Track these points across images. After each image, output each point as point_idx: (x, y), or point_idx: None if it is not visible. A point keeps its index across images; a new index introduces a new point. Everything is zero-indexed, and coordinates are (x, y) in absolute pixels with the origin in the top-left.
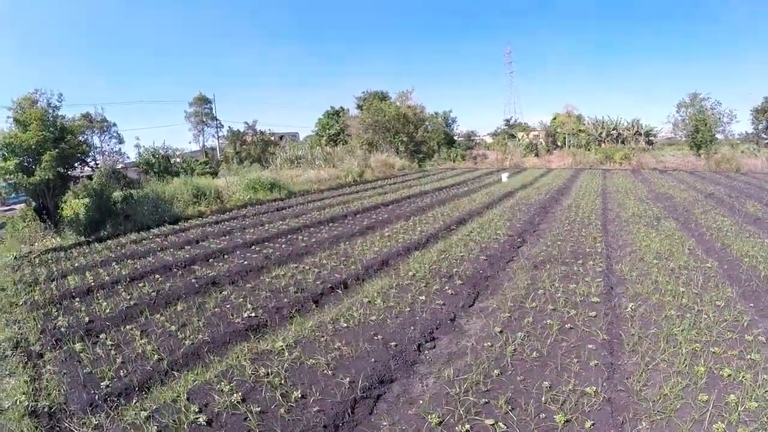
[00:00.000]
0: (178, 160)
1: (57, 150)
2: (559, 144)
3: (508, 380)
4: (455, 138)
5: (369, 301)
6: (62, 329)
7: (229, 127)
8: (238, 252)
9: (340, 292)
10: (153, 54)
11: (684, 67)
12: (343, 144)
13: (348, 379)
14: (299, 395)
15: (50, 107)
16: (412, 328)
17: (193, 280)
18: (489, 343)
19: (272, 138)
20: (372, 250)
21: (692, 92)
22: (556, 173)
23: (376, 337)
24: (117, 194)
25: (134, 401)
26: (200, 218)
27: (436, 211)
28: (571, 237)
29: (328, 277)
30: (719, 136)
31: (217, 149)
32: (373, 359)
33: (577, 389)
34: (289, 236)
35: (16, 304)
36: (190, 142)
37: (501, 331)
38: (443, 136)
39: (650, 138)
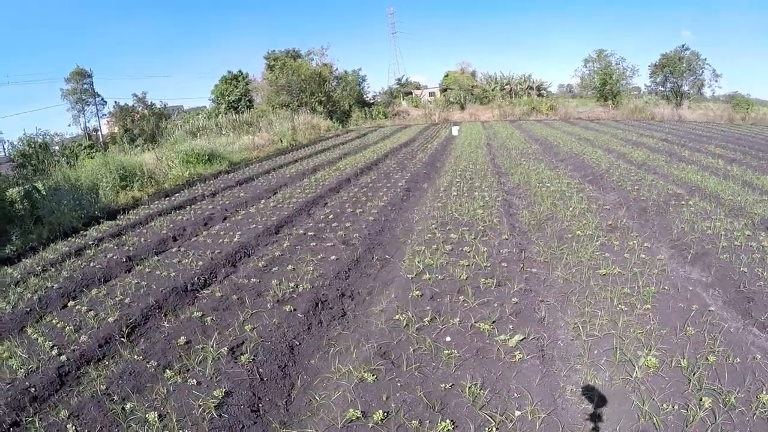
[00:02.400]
0: (56, 148)
1: None
2: (470, 99)
3: None
4: (365, 97)
5: None
6: None
7: (116, 102)
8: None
9: None
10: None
11: (583, 25)
12: (248, 110)
13: None
14: None
15: None
16: None
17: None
18: None
19: (165, 111)
20: None
21: (598, 48)
22: (500, 125)
23: None
24: (13, 191)
25: None
26: (139, 207)
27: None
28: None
29: None
30: (624, 89)
31: (100, 130)
32: None
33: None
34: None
35: None
36: (69, 125)
37: None
38: (357, 96)
39: (541, 92)
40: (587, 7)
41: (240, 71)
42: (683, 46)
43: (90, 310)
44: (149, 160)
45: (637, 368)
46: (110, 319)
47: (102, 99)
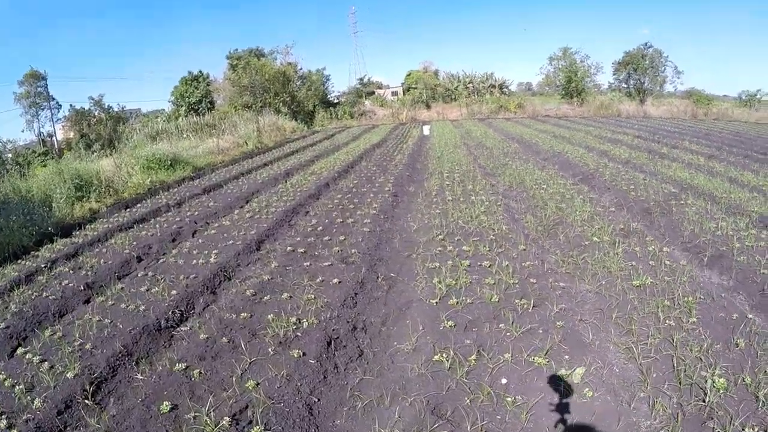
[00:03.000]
0: (10, 155)
1: None
2: (436, 98)
3: None
4: (329, 97)
5: None
6: None
7: (71, 105)
8: None
9: None
10: None
11: (543, 23)
12: (209, 112)
13: None
14: None
15: None
16: None
17: None
18: None
19: (123, 114)
20: None
21: (563, 46)
22: (470, 123)
23: None
24: None
25: None
26: (97, 220)
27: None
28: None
29: None
30: (588, 86)
31: (55, 135)
32: None
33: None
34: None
35: None
36: (23, 131)
37: None
38: (321, 96)
39: (503, 90)
40: (547, 6)
41: (200, 72)
42: (646, 43)
43: (44, 360)
44: (107, 166)
45: (709, 391)
46: (69, 375)
47: (57, 102)
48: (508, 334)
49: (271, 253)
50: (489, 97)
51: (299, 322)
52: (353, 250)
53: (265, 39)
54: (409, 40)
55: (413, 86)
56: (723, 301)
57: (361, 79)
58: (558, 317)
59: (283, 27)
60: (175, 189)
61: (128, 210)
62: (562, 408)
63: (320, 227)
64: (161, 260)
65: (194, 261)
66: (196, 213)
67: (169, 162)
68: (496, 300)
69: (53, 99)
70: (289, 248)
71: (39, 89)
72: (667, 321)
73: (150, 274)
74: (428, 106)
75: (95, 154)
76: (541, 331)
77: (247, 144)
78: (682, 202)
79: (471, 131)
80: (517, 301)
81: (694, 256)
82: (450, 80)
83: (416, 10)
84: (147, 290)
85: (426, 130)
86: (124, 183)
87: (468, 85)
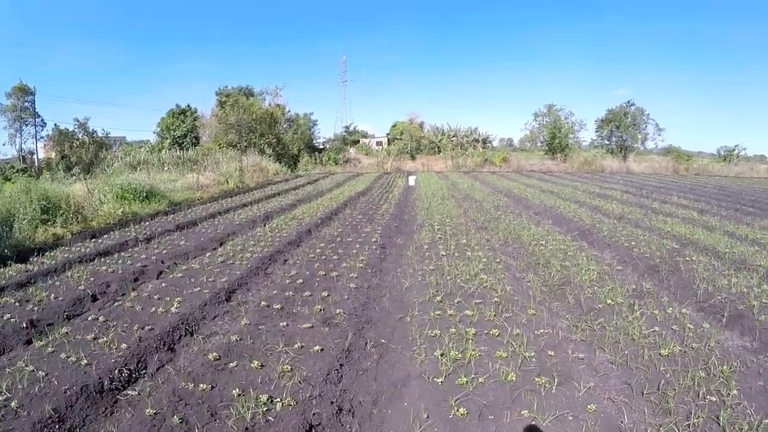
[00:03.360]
0: None
1: None
2: (421, 149)
3: None
4: (315, 142)
5: None
6: None
7: (55, 125)
8: None
9: None
10: None
11: (525, 81)
12: (193, 147)
13: None
14: None
15: None
16: None
17: None
18: None
19: (107, 140)
20: None
21: (548, 103)
22: (455, 176)
23: None
24: None
25: None
26: (59, 248)
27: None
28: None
29: None
30: (572, 143)
31: (36, 153)
32: None
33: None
34: None
35: None
36: (4, 144)
37: None
38: (307, 140)
39: (486, 145)
40: (531, 64)
41: (188, 106)
42: (629, 101)
43: None
44: (79, 191)
45: None
46: None
47: (42, 120)
48: (533, 423)
49: (243, 306)
50: (474, 151)
51: (271, 401)
52: (337, 310)
53: (257, 79)
54: (396, 92)
55: (398, 137)
56: (757, 368)
57: (347, 127)
58: (588, 399)
59: (275, 71)
60: (148, 222)
61: (94, 240)
62: None
63: (300, 279)
64: (118, 302)
65: (154, 308)
66: (165, 251)
67: (145, 194)
68: (513, 378)
69: (39, 116)
70: (263, 302)
71: (26, 104)
72: (708, 396)
73: (102, 318)
74: (413, 157)
75: (74, 177)
76: (571, 418)
77: (228, 182)
78: (687, 258)
79: (457, 183)
80: (537, 379)
81: (712, 316)
82: (435, 133)
83: (404, 63)
84: (94, 339)
85: (412, 180)
86: (95, 211)
87: (452, 138)
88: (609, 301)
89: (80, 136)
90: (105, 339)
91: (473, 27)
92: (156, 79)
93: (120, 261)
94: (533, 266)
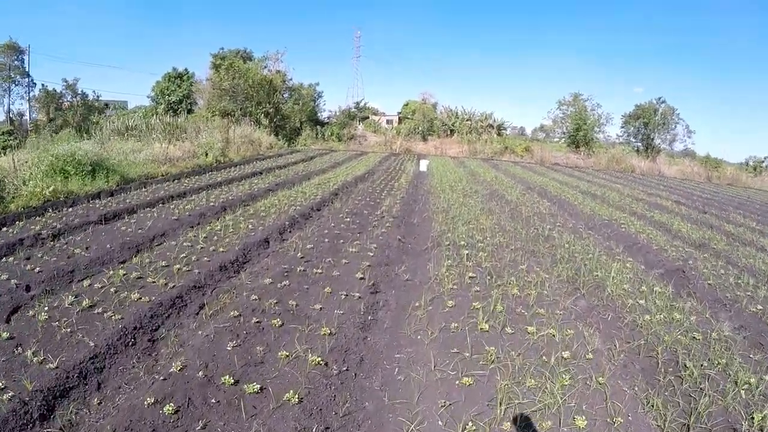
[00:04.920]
0: None
1: None
2: (433, 130)
3: None
4: (319, 116)
5: None
6: None
7: (43, 85)
8: None
9: None
10: None
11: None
12: (187, 113)
13: None
14: None
15: None
16: None
17: None
18: None
19: (97, 103)
20: None
21: (574, 92)
22: (474, 164)
23: None
24: None
25: None
26: None
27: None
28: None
29: None
30: (597, 136)
31: (28, 115)
32: None
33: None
34: None
35: None
36: None
37: None
38: (310, 113)
39: (501, 132)
40: (552, 51)
41: (186, 70)
42: (660, 98)
43: None
44: (5, 164)
45: None
46: None
47: (32, 80)
48: None
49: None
50: (495, 137)
51: None
52: None
53: (263, 46)
54: (410, 72)
55: (410, 116)
56: None
57: (358, 103)
58: None
59: (283, 40)
60: (70, 209)
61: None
62: None
63: (201, 374)
64: None
65: None
66: (52, 264)
67: (91, 167)
68: None
69: (29, 76)
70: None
71: (15, 62)
72: None
73: None
74: (425, 138)
75: (56, 138)
76: None
77: (207, 155)
78: None
79: (477, 173)
80: None
81: None
82: (448, 115)
83: (420, 41)
84: None
85: (423, 165)
86: (16, 189)
87: (466, 122)
88: None
89: (69, 98)
90: None
91: (491, 12)
92: (157, 39)
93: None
94: (651, 370)
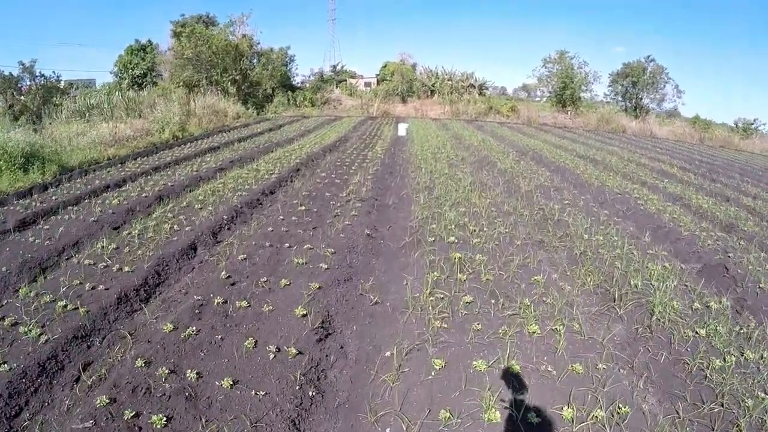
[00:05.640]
0: None
1: None
2: (413, 92)
3: None
4: (292, 81)
5: None
6: None
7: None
8: None
9: None
10: None
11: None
12: (152, 87)
13: None
14: None
15: None
16: None
17: None
18: None
19: (59, 84)
20: None
21: (560, 49)
22: (458, 126)
23: None
24: None
25: None
26: None
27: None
28: None
29: None
30: (584, 95)
31: None
32: None
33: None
34: None
35: None
36: None
37: None
38: (282, 78)
39: (483, 92)
40: (532, 9)
41: (149, 41)
42: (648, 56)
43: None
44: None
45: None
46: None
47: None
48: None
49: None
50: (477, 97)
51: None
52: None
53: (229, 9)
54: (389, 34)
55: (388, 78)
56: None
57: (335, 66)
58: None
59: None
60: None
61: None
62: None
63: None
64: None
65: None
66: None
67: (23, 158)
68: None
69: None
70: None
71: None
72: None
73: None
74: (404, 100)
75: (20, 128)
76: None
77: (163, 132)
78: None
79: (463, 137)
80: None
81: None
82: (428, 76)
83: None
84: None
85: (402, 129)
86: None
87: (447, 82)
88: None
89: (27, 81)
90: None
91: None
92: (119, 13)
93: None
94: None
